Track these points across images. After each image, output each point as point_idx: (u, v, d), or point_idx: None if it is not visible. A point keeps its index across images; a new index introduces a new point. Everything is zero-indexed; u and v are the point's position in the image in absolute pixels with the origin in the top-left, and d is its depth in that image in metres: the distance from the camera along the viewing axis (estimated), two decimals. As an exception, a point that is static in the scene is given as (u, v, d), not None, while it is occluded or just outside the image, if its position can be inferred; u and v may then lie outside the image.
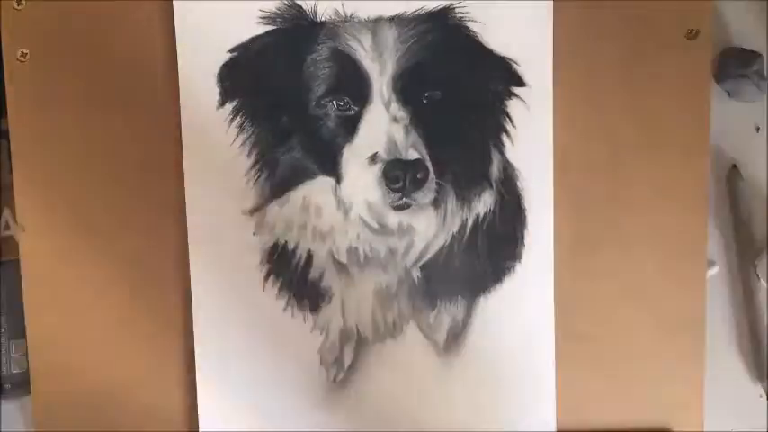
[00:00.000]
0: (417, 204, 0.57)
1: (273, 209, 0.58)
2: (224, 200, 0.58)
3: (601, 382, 0.60)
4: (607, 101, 0.59)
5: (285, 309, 0.59)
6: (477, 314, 0.60)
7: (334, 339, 0.59)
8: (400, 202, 0.57)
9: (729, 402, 0.63)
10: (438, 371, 0.60)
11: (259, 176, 0.58)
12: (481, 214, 0.59)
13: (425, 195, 0.57)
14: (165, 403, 0.60)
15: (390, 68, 0.56)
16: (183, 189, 0.58)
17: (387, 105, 0.56)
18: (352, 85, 0.57)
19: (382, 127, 0.56)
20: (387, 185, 0.56)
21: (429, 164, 0.56)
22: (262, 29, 0.57)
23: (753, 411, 0.64)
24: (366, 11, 0.57)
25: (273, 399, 0.59)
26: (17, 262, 0.58)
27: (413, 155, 0.56)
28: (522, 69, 0.58)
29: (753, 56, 0.61)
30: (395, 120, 0.56)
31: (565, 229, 0.59)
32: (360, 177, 0.57)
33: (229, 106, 0.57)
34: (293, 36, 0.57)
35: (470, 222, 0.59)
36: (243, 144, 0.57)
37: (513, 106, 0.58)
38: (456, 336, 0.60)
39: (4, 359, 0.60)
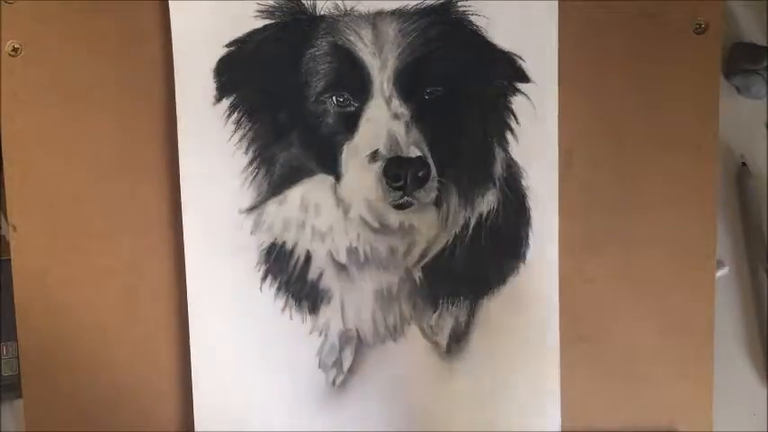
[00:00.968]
0: (419, 203, 0.56)
1: (271, 207, 0.58)
2: (221, 198, 0.57)
3: (608, 384, 0.60)
4: (614, 97, 0.58)
5: (283, 310, 0.58)
6: (480, 316, 0.59)
7: (334, 341, 0.59)
8: (401, 201, 0.56)
9: (738, 403, 0.63)
10: (440, 374, 0.59)
11: (257, 174, 0.57)
12: (484, 213, 0.58)
13: (427, 194, 0.56)
14: (160, 406, 0.59)
15: (391, 64, 0.56)
16: (179, 187, 0.57)
17: (387, 101, 0.56)
18: (352, 80, 0.56)
19: (383, 123, 0.55)
20: (387, 183, 0.55)
21: (431, 161, 0.55)
22: (260, 23, 0.56)
23: (762, 412, 0.64)
24: (366, 4, 0.56)
25: (270, 402, 0.59)
26: (8, 262, 0.58)
27: (414, 152, 0.55)
28: (527, 65, 0.57)
29: (763, 51, 0.61)
30: (396, 116, 0.55)
31: (570, 229, 0.59)
32: (360, 175, 0.56)
33: (226, 102, 0.57)
34: (292, 30, 0.56)
35: (473, 221, 0.58)
36: (240, 140, 0.57)
37: (517, 103, 0.58)
38: (458, 338, 0.59)
39: (-6, 362, 0.60)
